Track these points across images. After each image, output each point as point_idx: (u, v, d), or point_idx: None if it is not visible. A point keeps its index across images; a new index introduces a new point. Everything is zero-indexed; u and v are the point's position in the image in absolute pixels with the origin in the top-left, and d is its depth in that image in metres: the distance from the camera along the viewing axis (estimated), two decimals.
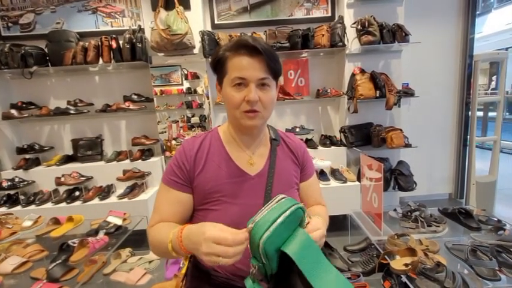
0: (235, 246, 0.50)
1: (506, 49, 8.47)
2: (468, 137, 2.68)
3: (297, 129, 2.47)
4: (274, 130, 0.85)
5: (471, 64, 2.61)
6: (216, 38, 2.24)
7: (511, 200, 2.91)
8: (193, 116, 2.89)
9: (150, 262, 1.59)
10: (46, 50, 2.27)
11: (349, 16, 2.33)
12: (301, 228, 0.55)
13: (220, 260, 0.50)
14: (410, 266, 1.03)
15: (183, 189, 0.72)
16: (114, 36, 2.24)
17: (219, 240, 0.50)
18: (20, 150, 2.39)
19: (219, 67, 0.71)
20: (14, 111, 2.29)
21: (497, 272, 1.02)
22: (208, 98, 2.52)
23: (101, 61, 2.27)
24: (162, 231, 0.66)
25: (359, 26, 2.19)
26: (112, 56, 2.24)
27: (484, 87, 8.64)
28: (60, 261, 1.27)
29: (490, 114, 2.97)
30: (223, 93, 0.72)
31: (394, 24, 2.21)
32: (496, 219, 1.37)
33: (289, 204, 0.53)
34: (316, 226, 0.59)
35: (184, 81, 2.84)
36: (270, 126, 0.85)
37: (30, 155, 2.41)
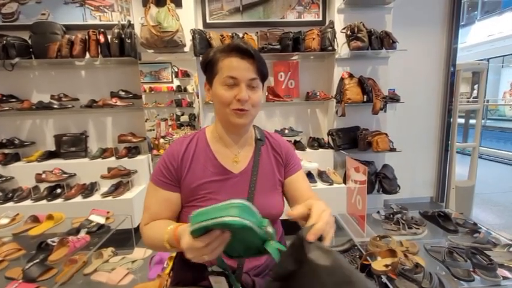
0: (210, 246, 0.50)
1: (488, 60, 8.87)
2: (449, 142, 2.78)
3: (286, 131, 2.49)
4: (260, 130, 0.87)
5: (454, 73, 2.71)
6: (208, 37, 2.23)
7: (488, 204, 3.04)
8: (182, 115, 2.85)
9: (133, 262, 1.57)
10: (30, 41, 2.19)
11: (339, 21, 2.37)
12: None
13: (204, 258, 0.51)
14: (390, 267, 1.06)
15: (170, 188, 0.75)
16: (102, 30, 2.19)
17: (191, 249, 0.51)
18: None
19: (209, 67, 0.74)
20: None
21: (472, 273, 1.06)
22: (198, 97, 2.50)
23: (87, 55, 2.21)
24: (156, 231, 0.69)
25: (348, 32, 2.24)
26: (99, 51, 2.19)
27: (467, 95, 9.02)
28: (37, 260, 1.23)
29: (471, 121, 3.09)
30: (213, 92, 0.75)
31: (382, 31, 2.27)
32: (472, 223, 1.43)
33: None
34: (321, 208, 0.56)
35: (175, 79, 2.80)
36: (256, 127, 0.88)
37: (10, 150, 2.32)
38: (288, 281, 0.53)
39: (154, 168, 0.78)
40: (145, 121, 2.56)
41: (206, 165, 0.76)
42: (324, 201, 0.66)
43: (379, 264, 1.11)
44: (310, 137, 2.58)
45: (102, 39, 2.17)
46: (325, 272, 0.47)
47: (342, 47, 2.35)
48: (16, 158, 2.32)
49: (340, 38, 2.32)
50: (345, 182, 2.21)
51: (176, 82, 2.79)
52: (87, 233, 1.49)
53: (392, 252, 1.15)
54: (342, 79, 2.37)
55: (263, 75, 0.75)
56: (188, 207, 0.75)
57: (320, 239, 0.51)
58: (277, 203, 0.81)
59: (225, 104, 0.72)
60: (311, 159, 2.35)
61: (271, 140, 0.87)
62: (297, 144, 2.45)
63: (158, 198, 0.75)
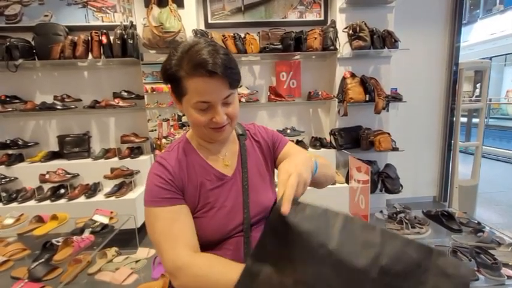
0: None
1: (491, 58, 8.83)
2: (452, 141, 2.77)
3: (288, 131, 2.49)
4: (239, 125, 0.84)
5: (457, 72, 2.70)
6: (209, 37, 2.23)
7: (491, 203, 3.03)
8: (184, 115, 2.86)
9: (136, 262, 1.57)
10: (33, 43, 2.20)
11: (341, 21, 2.37)
12: None
13: None
14: None
15: (179, 201, 0.67)
16: (104, 31, 2.20)
17: None
18: (3, 146, 2.31)
19: (174, 83, 0.63)
20: None
21: (476, 272, 1.06)
22: None
23: (90, 56, 2.22)
24: (220, 271, 0.57)
25: (350, 31, 2.24)
26: (102, 52, 2.20)
27: (469, 94, 8.98)
28: (43, 260, 1.24)
29: (474, 120, 3.08)
30: (185, 110, 0.67)
31: (384, 31, 2.27)
32: (476, 222, 1.43)
33: None
34: (287, 173, 0.53)
35: None
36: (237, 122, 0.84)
37: (14, 151, 2.33)
38: (275, 260, 0.50)
39: (148, 193, 0.65)
40: (148, 121, 2.57)
41: (202, 174, 0.72)
42: (303, 153, 0.67)
43: None
44: (313, 137, 2.58)
45: (104, 40, 2.18)
46: (309, 235, 0.47)
47: (343, 47, 2.34)
48: (20, 158, 2.34)
49: (342, 38, 2.31)
50: (347, 181, 2.21)
51: None
52: (91, 232, 1.50)
53: None
54: (344, 78, 2.37)
55: (238, 82, 0.65)
56: (193, 219, 0.69)
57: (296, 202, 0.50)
58: (270, 197, 0.80)
59: (201, 126, 0.66)
60: None
61: (251, 131, 0.84)
62: (299, 144, 2.45)
63: (175, 218, 0.63)
